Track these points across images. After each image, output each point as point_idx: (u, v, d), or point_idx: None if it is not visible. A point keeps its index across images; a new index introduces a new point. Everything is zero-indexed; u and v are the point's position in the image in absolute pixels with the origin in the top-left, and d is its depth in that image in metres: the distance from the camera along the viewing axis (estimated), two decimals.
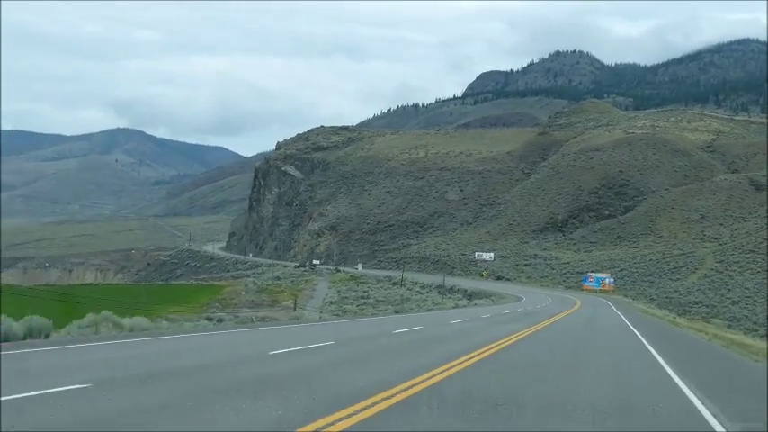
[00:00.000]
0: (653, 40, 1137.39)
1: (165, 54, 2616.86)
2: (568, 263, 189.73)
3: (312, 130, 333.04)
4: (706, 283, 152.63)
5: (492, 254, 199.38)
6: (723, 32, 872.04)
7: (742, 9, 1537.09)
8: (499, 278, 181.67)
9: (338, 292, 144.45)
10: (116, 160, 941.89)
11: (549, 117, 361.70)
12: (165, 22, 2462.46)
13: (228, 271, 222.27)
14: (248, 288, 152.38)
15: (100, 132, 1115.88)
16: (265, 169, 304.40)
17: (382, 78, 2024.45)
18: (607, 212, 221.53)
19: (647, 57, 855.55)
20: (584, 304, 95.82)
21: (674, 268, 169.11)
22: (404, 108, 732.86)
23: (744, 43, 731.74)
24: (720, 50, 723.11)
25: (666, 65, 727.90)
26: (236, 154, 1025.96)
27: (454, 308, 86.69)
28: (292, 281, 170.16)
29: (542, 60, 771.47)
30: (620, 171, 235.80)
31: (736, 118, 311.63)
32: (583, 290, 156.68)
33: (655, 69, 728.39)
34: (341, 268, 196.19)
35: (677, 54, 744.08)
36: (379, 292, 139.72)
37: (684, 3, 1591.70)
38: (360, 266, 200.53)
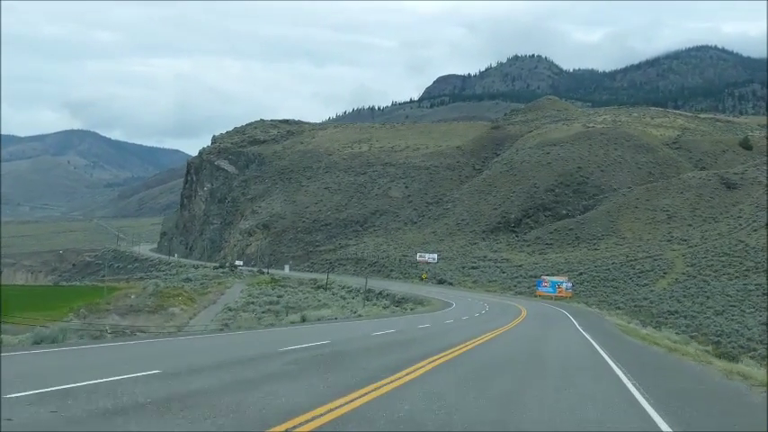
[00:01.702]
0: (612, 45, 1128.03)
1: (124, 55, 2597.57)
2: (521, 266, 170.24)
3: (251, 124, 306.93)
4: (679, 290, 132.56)
5: (435, 255, 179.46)
6: (682, 39, 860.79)
7: (701, 17, 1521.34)
8: (441, 282, 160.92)
9: (249, 296, 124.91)
10: (68, 162, 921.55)
11: (505, 114, 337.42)
12: (125, 24, 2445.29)
13: (149, 272, 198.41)
14: (146, 291, 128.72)
15: (54, 133, 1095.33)
16: (198, 164, 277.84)
17: (342, 82, 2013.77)
18: (564, 212, 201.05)
19: (605, 62, 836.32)
20: (533, 316, 71.29)
21: (641, 272, 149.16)
22: (359, 111, 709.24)
23: (702, 50, 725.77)
24: (679, 57, 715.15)
25: (625, 70, 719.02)
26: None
27: (358, 318, 64.59)
28: (202, 283, 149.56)
29: (500, 65, 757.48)
30: (579, 167, 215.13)
31: (701, 116, 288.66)
32: (536, 296, 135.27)
33: (613, 75, 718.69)
34: (265, 270, 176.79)
35: (636, 60, 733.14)
36: (295, 297, 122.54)
37: (644, 9, 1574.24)
38: (287, 268, 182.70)
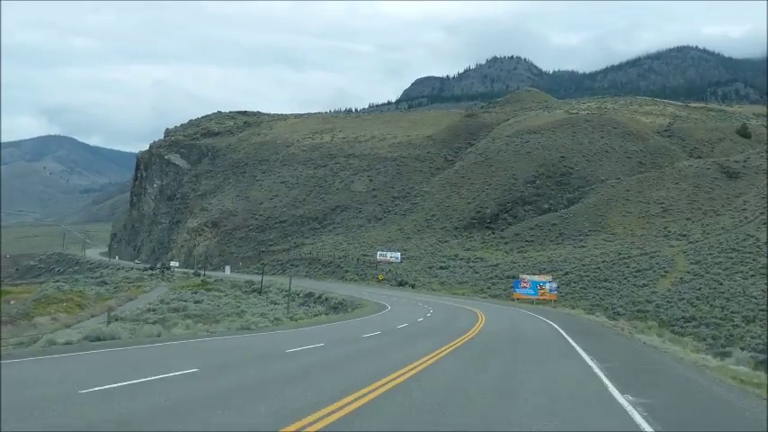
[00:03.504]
0: (592, 47, 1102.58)
1: (101, 62, 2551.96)
2: (497, 265, 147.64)
3: (207, 116, 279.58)
4: (688, 291, 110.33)
5: (399, 254, 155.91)
6: (662, 40, 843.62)
7: (681, 19, 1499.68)
8: (401, 284, 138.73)
9: (161, 301, 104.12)
10: (44, 168, 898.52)
11: (482, 107, 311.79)
12: (102, 30, 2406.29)
13: (77, 275, 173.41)
14: (43, 294, 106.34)
15: (31, 139, 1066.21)
16: (147, 159, 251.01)
17: (320, 87, 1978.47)
18: (547, 206, 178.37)
19: (586, 64, 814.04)
20: (491, 334, 42.32)
21: (637, 272, 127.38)
22: (336, 113, 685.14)
23: (683, 50, 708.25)
24: (660, 57, 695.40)
25: (605, 71, 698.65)
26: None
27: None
28: (116, 287, 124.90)
29: (479, 66, 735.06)
30: (562, 157, 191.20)
31: (692, 104, 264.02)
32: (513, 299, 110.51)
33: (594, 76, 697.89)
34: (200, 272, 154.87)
35: (616, 61, 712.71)
36: (216, 302, 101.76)
37: (623, 11, 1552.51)
38: (228, 270, 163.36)
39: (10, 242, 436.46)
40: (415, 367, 22.14)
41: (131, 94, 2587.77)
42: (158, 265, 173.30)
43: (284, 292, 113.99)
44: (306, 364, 22.20)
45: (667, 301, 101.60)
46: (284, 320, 60.30)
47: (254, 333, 39.47)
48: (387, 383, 18.12)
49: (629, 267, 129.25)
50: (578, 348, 33.59)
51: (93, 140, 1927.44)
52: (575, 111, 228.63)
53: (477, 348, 31.73)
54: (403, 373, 20.49)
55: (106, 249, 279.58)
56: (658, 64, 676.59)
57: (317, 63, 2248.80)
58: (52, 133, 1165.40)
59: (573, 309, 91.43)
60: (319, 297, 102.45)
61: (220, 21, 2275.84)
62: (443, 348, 29.54)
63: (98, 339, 30.08)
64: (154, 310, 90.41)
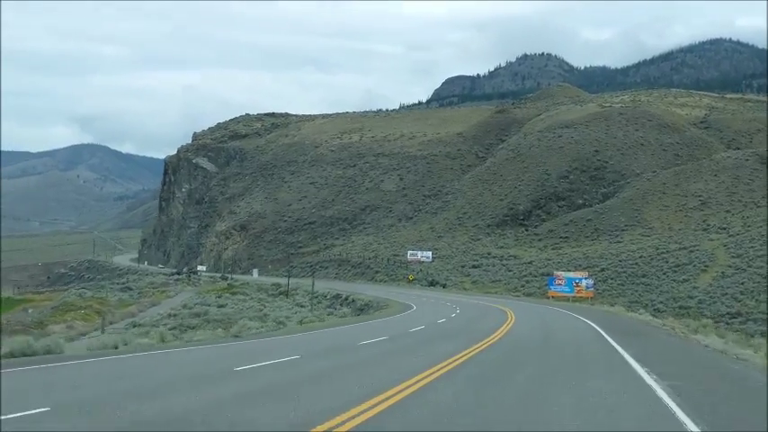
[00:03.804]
0: (623, 42, 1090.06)
1: (132, 69, 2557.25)
2: (531, 263, 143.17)
3: (234, 119, 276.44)
4: (731, 286, 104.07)
5: (430, 254, 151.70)
6: (694, 33, 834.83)
7: (713, 12, 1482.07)
8: (432, 284, 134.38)
9: (184, 306, 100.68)
10: (78, 176, 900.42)
11: (513, 103, 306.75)
12: (132, 38, 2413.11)
13: (109, 281, 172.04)
14: (63, 301, 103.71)
15: (64, 148, 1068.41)
16: (176, 163, 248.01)
17: (349, 88, 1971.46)
18: (581, 201, 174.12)
19: (617, 59, 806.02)
20: (519, 338, 36.11)
21: (676, 267, 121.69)
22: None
23: (716, 43, 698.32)
24: (693, 50, 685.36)
25: (638, 66, 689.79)
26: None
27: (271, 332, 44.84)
28: (140, 292, 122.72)
29: (509, 64, 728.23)
30: (596, 151, 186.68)
31: (728, 96, 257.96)
32: (548, 297, 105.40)
33: (626, 71, 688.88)
34: (228, 276, 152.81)
35: (648, 55, 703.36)
36: (240, 306, 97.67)
37: (654, 6, 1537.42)
38: (256, 273, 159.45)
39: (43, 250, 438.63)
40: (396, 394, 15.92)
41: (162, 101, 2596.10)
42: (184, 270, 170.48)
43: (311, 295, 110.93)
44: (244, 392, 15.99)
45: (710, 297, 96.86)
46: (288, 324, 55.87)
47: (240, 341, 33.39)
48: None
49: (667, 262, 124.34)
50: (627, 356, 26.83)
51: (126, 148, 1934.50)
52: (608, 104, 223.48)
53: (495, 359, 25.16)
54: (372, 406, 14.27)
55: (137, 255, 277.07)
56: (691, 57, 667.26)
57: (346, 65, 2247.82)
58: (85, 142, 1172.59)
59: (612, 306, 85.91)
60: (346, 299, 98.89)
61: (248, 25, 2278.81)
62: (448, 362, 22.77)
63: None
64: (174, 315, 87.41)
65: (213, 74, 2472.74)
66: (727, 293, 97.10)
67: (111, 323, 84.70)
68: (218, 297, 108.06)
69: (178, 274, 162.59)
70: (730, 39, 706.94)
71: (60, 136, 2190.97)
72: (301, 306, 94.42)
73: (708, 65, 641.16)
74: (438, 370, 20.64)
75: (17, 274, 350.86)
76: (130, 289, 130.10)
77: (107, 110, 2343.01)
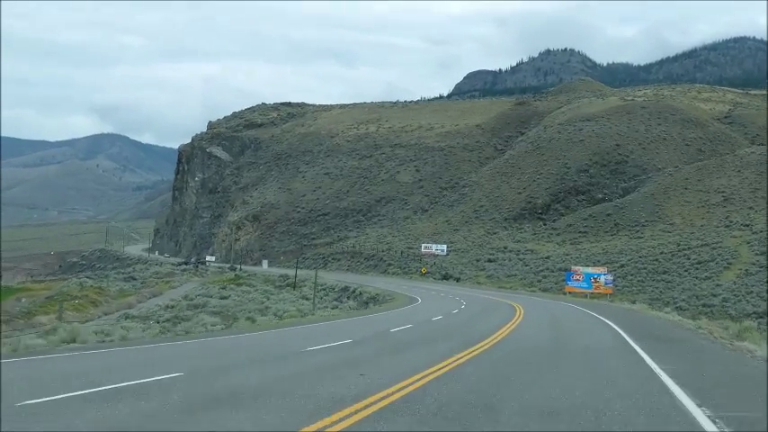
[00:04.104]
0: (646, 39, 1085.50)
1: (152, 59, 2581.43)
2: (548, 257, 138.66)
3: (250, 108, 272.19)
4: (756, 284, 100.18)
5: (444, 247, 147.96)
6: (718, 31, 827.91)
7: (736, 9, 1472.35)
8: (446, 277, 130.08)
9: (185, 297, 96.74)
10: (97, 165, 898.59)
11: (534, 96, 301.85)
12: (152, 28, 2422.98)
13: (119, 270, 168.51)
14: (59, 291, 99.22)
15: (83, 138, 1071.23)
16: (189, 152, 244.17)
17: (369, 82, 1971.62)
18: (601, 195, 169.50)
19: (640, 56, 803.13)
20: (529, 341, 30.51)
21: (698, 263, 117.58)
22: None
23: (740, 41, 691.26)
24: (716, 48, 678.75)
25: (661, 63, 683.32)
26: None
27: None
28: (143, 283, 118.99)
29: (532, 59, 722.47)
30: (617, 145, 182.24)
31: (753, 92, 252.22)
32: (565, 293, 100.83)
33: (649, 68, 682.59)
34: (236, 266, 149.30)
35: (672, 53, 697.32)
36: (240, 298, 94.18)
37: (678, 2, 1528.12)
38: (265, 264, 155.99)
39: (59, 239, 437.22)
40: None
41: (182, 92, 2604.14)
42: (192, 260, 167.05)
43: (319, 287, 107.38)
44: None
45: (734, 295, 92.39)
46: (260, 320, 52.22)
47: (170, 343, 28.07)
48: None
49: (689, 259, 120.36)
50: (666, 378, 18.57)
51: (146, 138, 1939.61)
52: (630, 98, 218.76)
53: (474, 380, 17.58)
54: None
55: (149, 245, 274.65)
56: (715, 55, 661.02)
57: (367, 58, 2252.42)
58: (105, 131, 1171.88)
59: (633, 303, 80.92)
60: (353, 291, 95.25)
61: (269, 17, 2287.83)
62: (393, 389, 15.26)
63: None
64: (172, 306, 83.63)
65: (234, 66, 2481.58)
66: (752, 292, 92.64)
67: (105, 314, 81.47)
68: (222, 288, 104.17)
69: (185, 264, 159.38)
70: (754, 37, 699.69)
71: (80, 125, 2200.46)
72: (306, 299, 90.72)
73: (731, 63, 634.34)
74: (364, 408, 13.09)
75: (31, 263, 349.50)
76: (134, 279, 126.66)
77: (127, 100, 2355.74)
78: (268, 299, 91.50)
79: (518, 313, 50.74)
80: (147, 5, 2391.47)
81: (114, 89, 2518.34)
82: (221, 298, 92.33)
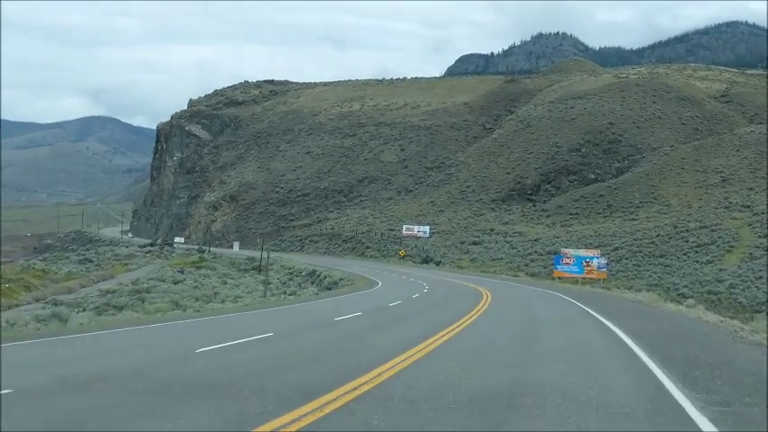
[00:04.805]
0: (639, 23, 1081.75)
1: (145, 42, 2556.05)
2: (537, 240, 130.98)
3: (232, 86, 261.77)
4: (763, 269, 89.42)
5: (427, 228, 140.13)
6: (710, 15, 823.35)
7: None
8: (426, 260, 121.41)
9: (137, 280, 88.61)
10: (87, 148, 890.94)
11: (525, 75, 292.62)
12: (145, 10, 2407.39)
13: (81, 253, 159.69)
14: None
15: (74, 120, 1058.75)
16: (168, 130, 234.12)
17: (363, 65, 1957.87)
18: (593, 175, 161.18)
19: (633, 40, 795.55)
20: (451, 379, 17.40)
21: (698, 246, 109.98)
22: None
23: (733, 26, 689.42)
24: (708, 33, 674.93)
25: (653, 47, 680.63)
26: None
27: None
28: (98, 265, 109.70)
29: (524, 43, 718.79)
30: (611, 123, 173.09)
31: (749, 72, 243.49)
32: (554, 278, 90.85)
33: (641, 52, 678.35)
34: (205, 248, 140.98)
35: (664, 37, 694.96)
36: (196, 282, 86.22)
37: None
38: (237, 246, 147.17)
39: (43, 221, 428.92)
40: None
41: (174, 75, 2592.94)
42: (158, 242, 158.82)
43: (287, 270, 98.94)
44: None
45: (742, 281, 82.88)
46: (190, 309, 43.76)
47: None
48: None
49: (687, 242, 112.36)
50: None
51: (137, 121, 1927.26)
52: (624, 75, 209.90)
53: None
54: None
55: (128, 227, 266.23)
56: (707, 39, 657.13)
57: (360, 41, 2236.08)
58: (96, 114, 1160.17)
59: (639, 292, 65.19)
60: (319, 276, 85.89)
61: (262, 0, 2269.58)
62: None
63: None
64: (113, 292, 74.22)
65: (227, 49, 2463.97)
66: (761, 277, 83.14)
67: (37, 300, 72.32)
68: (180, 272, 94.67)
69: (151, 245, 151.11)
70: (746, 21, 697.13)
71: (71, 108, 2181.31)
72: (268, 284, 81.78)
73: (723, 47, 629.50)
74: None
75: (10, 245, 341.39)
76: (90, 261, 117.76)
77: (119, 82, 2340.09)
78: (225, 283, 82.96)
79: (479, 308, 38.09)
80: None
81: (106, 71, 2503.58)
82: (174, 282, 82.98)
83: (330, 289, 68.71)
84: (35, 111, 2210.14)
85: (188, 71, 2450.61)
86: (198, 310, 40.65)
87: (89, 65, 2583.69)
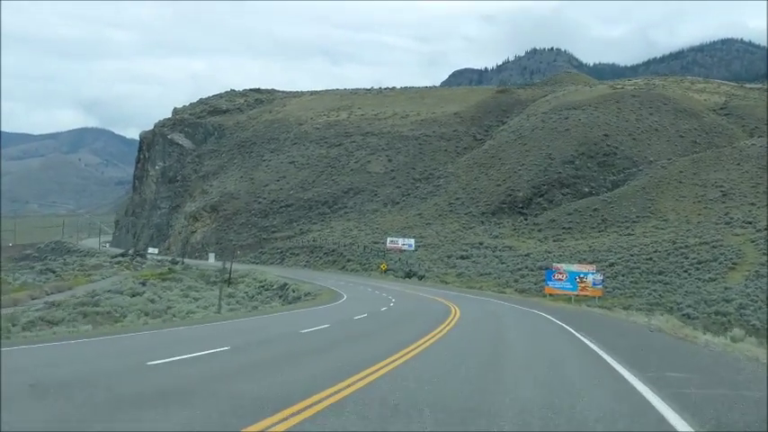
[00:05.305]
0: (634, 39, 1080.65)
1: (139, 55, 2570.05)
2: (528, 255, 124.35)
3: (217, 94, 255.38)
4: None
5: (412, 242, 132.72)
6: (706, 33, 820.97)
7: (725, 11, 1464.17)
8: (409, 275, 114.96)
9: (88, 294, 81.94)
10: (79, 159, 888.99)
11: (518, 86, 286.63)
12: (138, 23, 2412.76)
13: (47, 263, 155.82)
14: None
15: (67, 132, 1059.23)
16: (150, 139, 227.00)
17: (357, 79, 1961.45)
18: (587, 189, 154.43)
19: (627, 57, 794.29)
20: None
21: (699, 263, 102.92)
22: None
23: (727, 43, 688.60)
24: (703, 50, 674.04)
25: (647, 64, 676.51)
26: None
27: None
28: (58, 276, 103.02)
29: (518, 58, 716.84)
30: (606, 135, 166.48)
31: (748, 85, 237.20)
32: (545, 295, 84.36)
33: (635, 68, 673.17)
34: (178, 260, 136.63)
35: (659, 54, 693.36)
36: (154, 296, 79.82)
37: (666, 4, 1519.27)
38: (212, 258, 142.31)
39: (30, 232, 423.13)
40: None
41: (168, 87, 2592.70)
42: (130, 252, 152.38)
43: (258, 283, 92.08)
44: None
45: (752, 301, 75.69)
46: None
47: None
48: None
49: (687, 258, 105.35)
50: None
51: (130, 133, 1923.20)
52: (620, 86, 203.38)
53: None
54: None
55: (110, 238, 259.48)
56: (702, 56, 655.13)
57: (354, 55, 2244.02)
58: (89, 126, 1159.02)
59: (649, 314, 51.84)
60: (288, 289, 79.33)
61: (258, 13, 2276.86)
62: None
63: None
64: (58, 304, 67.19)
65: (221, 62, 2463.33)
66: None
67: None
68: (142, 284, 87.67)
69: (122, 256, 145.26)
70: (742, 39, 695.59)
71: (65, 119, 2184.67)
72: (231, 296, 74.90)
73: (718, 65, 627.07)
74: None
75: None
76: (53, 271, 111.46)
77: (112, 95, 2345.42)
78: (186, 296, 75.96)
79: (455, 310, 29.73)
80: (136, 3, 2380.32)
81: (100, 83, 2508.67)
82: (132, 295, 76.07)
83: (292, 303, 61.94)
84: (29, 122, 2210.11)
85: (182, 84, 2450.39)
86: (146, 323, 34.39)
87: (83, 77, 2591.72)
